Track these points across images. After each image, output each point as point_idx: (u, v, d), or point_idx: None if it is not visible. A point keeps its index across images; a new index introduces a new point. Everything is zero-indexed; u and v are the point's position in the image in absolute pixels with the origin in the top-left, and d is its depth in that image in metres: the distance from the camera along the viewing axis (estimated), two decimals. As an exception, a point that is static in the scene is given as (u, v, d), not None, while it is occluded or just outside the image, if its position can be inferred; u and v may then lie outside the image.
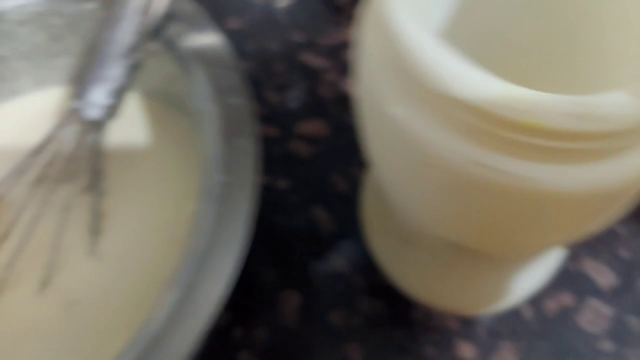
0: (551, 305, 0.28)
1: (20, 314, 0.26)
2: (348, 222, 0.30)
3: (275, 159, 0.32)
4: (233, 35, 0.38)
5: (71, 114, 0.25)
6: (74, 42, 0.29)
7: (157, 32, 0.24)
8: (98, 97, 0.24)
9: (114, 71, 0.23)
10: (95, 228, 0.27)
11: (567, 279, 0.29)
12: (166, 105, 0.30)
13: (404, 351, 0.27)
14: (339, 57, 0.37)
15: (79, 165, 0.26)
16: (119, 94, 0.24)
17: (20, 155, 0.30)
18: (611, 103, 0.14)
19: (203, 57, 0.24)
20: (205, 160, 0.22)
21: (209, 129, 0.22)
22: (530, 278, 0.27)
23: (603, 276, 0.29)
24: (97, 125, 0.25)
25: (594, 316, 0.28)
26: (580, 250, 0.30)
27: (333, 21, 0.39)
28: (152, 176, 0.28)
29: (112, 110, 0.24)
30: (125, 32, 0.23)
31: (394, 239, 0.26)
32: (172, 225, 0.27)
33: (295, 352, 0.27)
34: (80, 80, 0.24)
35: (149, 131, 0.29)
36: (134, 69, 0.24)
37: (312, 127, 0.34)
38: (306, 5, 0.40)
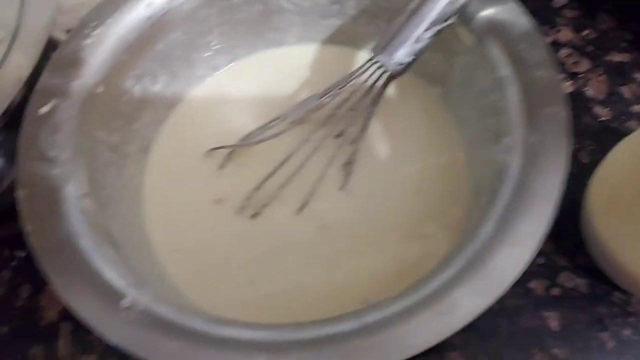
0: None
1: (279, 229, 0.30)
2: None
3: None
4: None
5: (371, 65, 0.27)
6: (351, 6, 0.32)
7: (466, 3, 0.26)
8: (403, 55, 0.27)
9: (424, 34, 0.26)
10: (348, 168, 0.31)
11: None
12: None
13: (601, 327, 0.30)
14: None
15: (359, 111, 0.29)
16: (418, 55, 0.27)
17: (276, 99, 0.34)
18: None
19: (501, 30, 0.26)
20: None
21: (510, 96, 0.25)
22: None
23: None
24: (389, 79, 0.28)
25: None
26: None
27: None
28: (412, 130, 0.32)
29: (406, 69, 0.27)
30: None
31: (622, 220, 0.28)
32: (430, 173, 0.31)
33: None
34: (391, 37, 0.27)
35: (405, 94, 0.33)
36: (437, 35, 0.26)
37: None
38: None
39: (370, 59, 0.28)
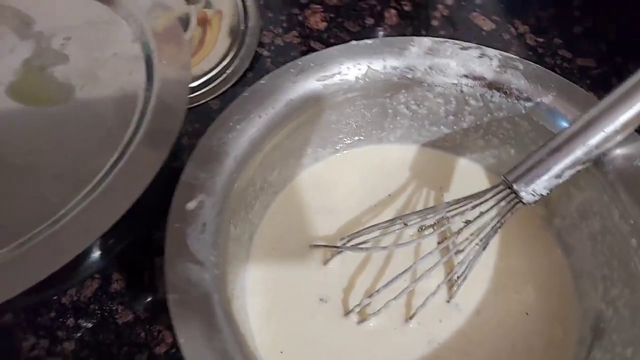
0: None
1: (386, 338, 0.30)
2: None
3: None
4: None
5: (503, 190, 0.28)
6: (469, 120, 0.34)
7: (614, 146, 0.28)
8: (540, 187, 0.28)
9: (565, 172, 0.27)
10: (452, 281, 0.31)
11: None
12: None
13: None
14: None
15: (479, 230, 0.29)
16: (554, 189, 0.28)
17: (375, 194, 0.35)
18: None
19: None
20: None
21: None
22: None
23: None
24: (517, 206, 0.29)
25: None
26: None
27: None
28: (514, 249, 0.33)
29: (538, 200, 0.28)
30: (596, 143, 0.27)
31: None
32: (536, 295, 0.31)
33: None
34: (530, 168, 0.28)
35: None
36: (574, 176, 0.28)
37: None
38: None
39: (504, 184, 0.29)
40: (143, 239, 0.38)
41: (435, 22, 0.51)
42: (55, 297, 0.36)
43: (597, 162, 0.29)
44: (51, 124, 0.31)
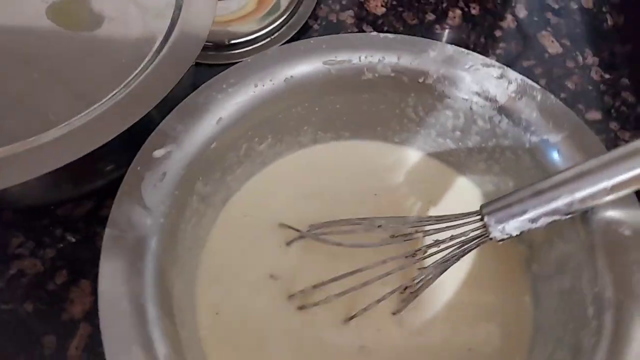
0: None
1: (320, 333, 0.30)
2: None
3: None
4: None
5: (474, 219, 0.27)
6: (474, 141, 0.32)
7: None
8: (512, 228, 0.26)
9: (542, 218, 0.25)
10: (408, 298, 0.30)
11: None
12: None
13: None
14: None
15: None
16: (525, 233, 0.26)
17: (358, 190, 0.35)
18: None
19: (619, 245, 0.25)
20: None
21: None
22: None
23: None
24: (483, 239, 0.27)
25: None
26: None
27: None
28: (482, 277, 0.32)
29: (506, 240, 0.27)
30: (582, 197, 0.24)
31: None
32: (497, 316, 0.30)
33: None
34: (507, 205, 0.26)
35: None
36: (552, 223, 0.26)
37: None
38: None
39: (478, 215, 0.27)
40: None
41: (499, 32, 0.48)
42: (52, 207, 0.39)
43: (584, 218, 0.26)
44: (74, 47, 0.33)
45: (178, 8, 0.35)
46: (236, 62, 0.44)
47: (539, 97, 0.29)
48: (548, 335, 0.28)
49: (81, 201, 0.39)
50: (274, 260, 0.32)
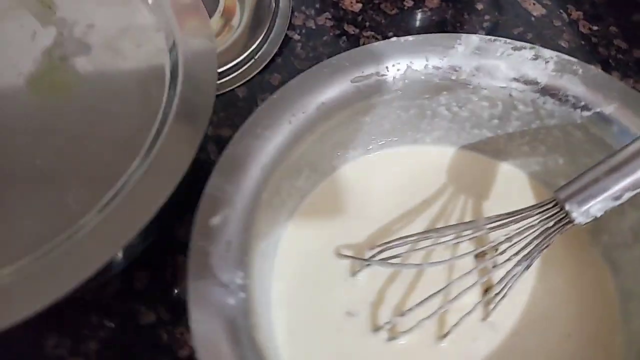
0: None
1: (419, 355, 0.29)
2: None
3: None
4: None
5: (552, 207, 0.26)
6: (515, 125, 0.31)
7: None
8: (596, 209, 0.25)
9: (625, 193, 0.25)
10: (491, 300, 0.29)
11: None
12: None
13: None
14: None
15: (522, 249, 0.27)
16: (609, 211, 0.25)
17: (408, 198, 0.33)
18: None
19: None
20: None
21: None
22: None
23: None
24: (566, 227, 0.26)
25: None
26: None
27: None
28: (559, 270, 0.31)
29: (589, 221, 0.26)
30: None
31: None
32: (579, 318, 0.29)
33: None
34: (584, 187, 0.25)
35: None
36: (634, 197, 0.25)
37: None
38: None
39: (554, 202, 0.26)
40: (166, 235, 0.37)
41: (479, 6, 0.48)
42: (78, 294, 0.35)
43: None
44: (72, 118, 0.30)
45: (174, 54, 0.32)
46: (227, 91, 0.43)
47: (580, 71, 0.28)
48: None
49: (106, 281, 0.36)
50: (345, 297, 0.30)
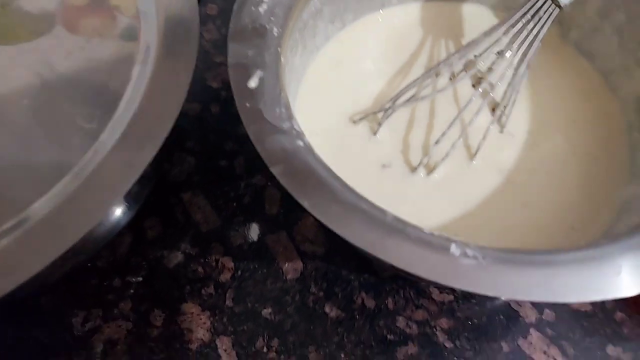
0: None
1: (459, 181, 0.30)
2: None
3: None
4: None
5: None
6: None
7: None
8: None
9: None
10: (501, 111, 0.31)
11: None
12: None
13: None
14: None
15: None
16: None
17: (395, 59, 0.34)
18: None
19: None
20: None
21: None
22: None
23: None
24: (552, 14, 0.29)
25: None
26: None
27: None
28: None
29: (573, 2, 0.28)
30: None
31: None
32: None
33: None
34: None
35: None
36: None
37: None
38: None
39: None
40: (160, 178, 0.35)
41: None
42: (89, 264, 0.32)
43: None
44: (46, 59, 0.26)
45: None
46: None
47: None
48: (625, 68, 0.31)
49: (113, 241, 0.32)
50: (374, 154, 0.31)
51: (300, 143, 0.22)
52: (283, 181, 0.21)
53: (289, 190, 0.20)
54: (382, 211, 0.21)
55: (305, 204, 0.20)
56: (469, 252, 0.19)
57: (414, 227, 0.20)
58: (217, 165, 0.35)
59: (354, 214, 0.20)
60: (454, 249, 0.19)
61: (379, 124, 0.31)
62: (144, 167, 0.22)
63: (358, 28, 0.35)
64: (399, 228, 0.20)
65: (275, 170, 0.21)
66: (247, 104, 0.22)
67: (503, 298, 0.24)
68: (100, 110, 0.24)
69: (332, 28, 0.34)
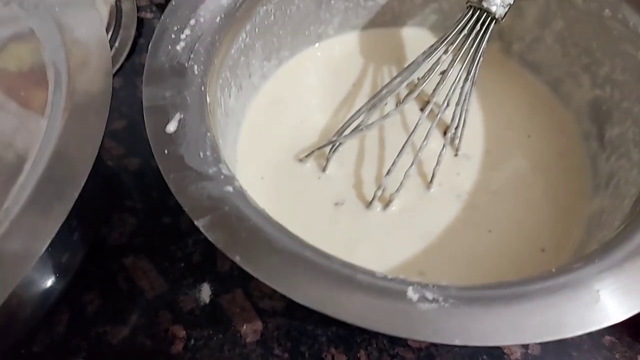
0: None
1: (419, 212, 0.28)
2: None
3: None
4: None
5: (473, 12, 0.27)
6: None
7: None
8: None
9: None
10: (453, 134, 0.30)
11: None
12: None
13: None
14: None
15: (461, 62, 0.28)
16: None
17: (337, 91, 0.33)
18: None
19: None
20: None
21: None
22: None
23: None
24: (489, 26, 0.28)
25: None
26: None
27: None
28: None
29: (507, 12, 0.27)
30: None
31: None
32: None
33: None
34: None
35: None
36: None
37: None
38: None
39: (470, 7, 0.27)
40: (97, 243, 0.32)
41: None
42: (22, 351, 0.28)
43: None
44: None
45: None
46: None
47: None
48: (573, 76, 0.30)
49: (49, 320, 0.29)
50: (325, 192, 0.28)
51: (230, 188, 0.19)
52: (210, 235, 0.18)
53: (216, 245, 0.18)
54: (329, 257, 0.19)
55: (237, 258, 0.17)
56: (428, 295, 0.17)
57: (365, 272, 0.18)
58: (161, 223, 0.32)
59: (295, 264, 0.18)
60: (410, 293, 0.17)
61: (327, 159, 0.29)
62: (52, 235, 0.19)
63: (296, 64, 0.33)
64: (348, 276, 0.18)
65: (200, 224, 0.18)
66: (166, 150, 0.20)
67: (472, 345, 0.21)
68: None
69: (269, 66, 0.32)
